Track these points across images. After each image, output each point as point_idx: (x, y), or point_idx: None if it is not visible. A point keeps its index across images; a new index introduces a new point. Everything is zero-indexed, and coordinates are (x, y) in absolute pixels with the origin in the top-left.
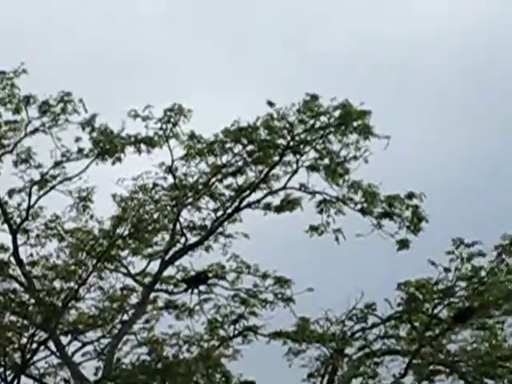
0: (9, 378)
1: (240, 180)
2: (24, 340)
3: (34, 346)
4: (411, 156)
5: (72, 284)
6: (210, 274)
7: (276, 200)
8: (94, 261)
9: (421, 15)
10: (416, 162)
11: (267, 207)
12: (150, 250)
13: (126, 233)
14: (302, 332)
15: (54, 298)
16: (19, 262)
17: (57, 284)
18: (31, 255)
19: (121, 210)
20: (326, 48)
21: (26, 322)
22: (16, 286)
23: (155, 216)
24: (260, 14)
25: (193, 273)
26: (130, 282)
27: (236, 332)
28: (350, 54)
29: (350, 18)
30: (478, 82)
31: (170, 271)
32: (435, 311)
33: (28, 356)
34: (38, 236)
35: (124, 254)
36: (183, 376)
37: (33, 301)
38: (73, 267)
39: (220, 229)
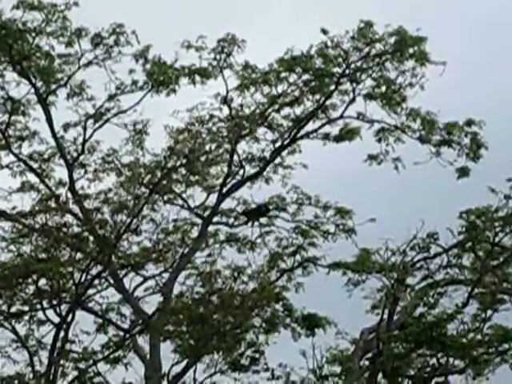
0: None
1: (298, 110)
2: (78, 274)
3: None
4: (469, 81)
5: (125, 217)
6: (271, 206)
7: (335, 130)
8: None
9: None
10: (474, 87)
11: (326, 137)
12: (209, 182)
13: (178, 164)
14: (362, 262)
15: (108, 230)
16: (76, 196)
17: (110, 217)
18: (88, 188)
19: (172, 142)
20: None
21: (79, 255)
22: (68, 219)
23: (212, 147)
24: None
25: (253, 205)
26: (188, 215)
27: (296, 264)
28: None
29: None
30: None
31: (230, 204)
32: (497, 239)
33: (83, 290)
34: (95, 170)
35: (182, 187)
36: (238, 308)
37: (86, 234)
38: (126, 199)
39: (279, 160)
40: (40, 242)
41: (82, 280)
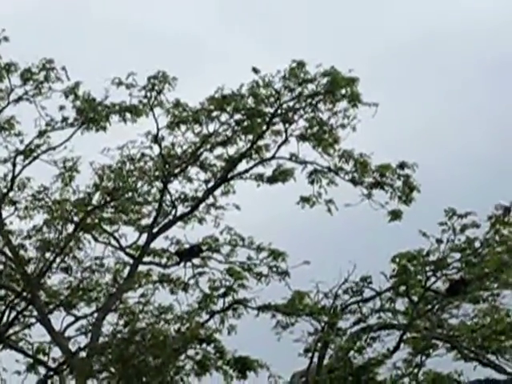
0: None
1: (231, 150)
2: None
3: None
4: (401, 123)
5: (48, 254)
6: (204, 247)
7: (268, 171)
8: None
9: None
10: (406, 130)
11: (260, 178)
12: (141, 222)
13: (103, 201)
14: (292, 305)
15: (31, 267)
16: (4, 233)
17: (33, 253)
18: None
19: (97, 178)
20: None
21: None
22: None
23: (144, 186)
24: None
25: (186, 246)
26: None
27: (226, 305)
28: None
29: None
30: None
31: (163, 244)
32: (428, 283)
33: (5, 327)
34: (26, 208)
35: (114, 225)
36: (160, 349)
37: (9, 270)
38: (50, 236)
39: (212, 200)
40: None
41: (5, 316)
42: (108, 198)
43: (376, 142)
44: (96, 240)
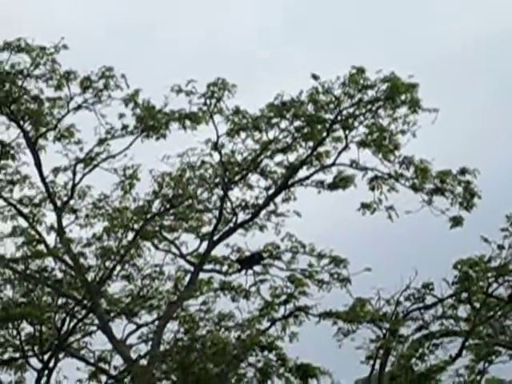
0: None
1: (291, 157)
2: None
3: (73, 323)
4: (463, 129)
5: (108, 262)
6: (265, 255)
7: (329, 177)
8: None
9: None
10: (469, 135)
11: (320, 185)
12: (202, 229)
13: (163, 209)
14: (353, 312)
15: (92, 275)
16: (64, 241)
17: (93, 261)
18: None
19: (157, 186)
20: None
21: (60, 300)
22: (51, 263)
23: (204, 194)
24: None
25: (248, 253)
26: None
27: (287, 312)
28: None
29: None
30: None
31: (224, 251)
32: (490, 289)
33: (66, 335)
34: (87, 216)
35: (176, 233)
36: (220, 356)
37: (69, 278)
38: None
39: (273, 207)
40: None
41: (66, 324)
42: (167, 206)
43: (436, 148)
44: (157, 248)
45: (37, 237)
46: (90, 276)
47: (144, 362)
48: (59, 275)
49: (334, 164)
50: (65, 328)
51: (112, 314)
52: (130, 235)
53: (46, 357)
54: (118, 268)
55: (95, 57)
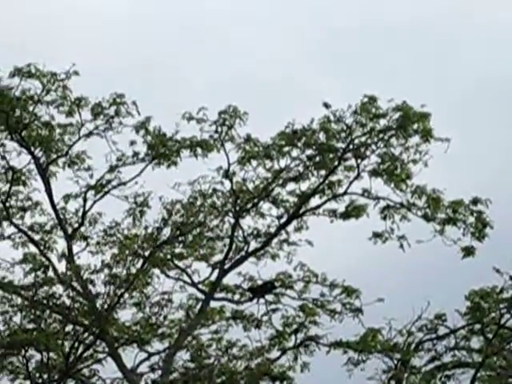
0: None
1: (303, 186)
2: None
3: (80, 350)
4: (475, 158)
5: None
6: (277, 284)
7: (341, 207)
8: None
9: None
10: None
11: (332, 214)
12: (214, 258)
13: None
14: (364, 341)
15: (100, 301)
16: (74, 268)
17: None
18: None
19: (166, 213)
20: None
21: (69, 327)
22: (59, 290)
23: (215, 221)
24: None
25: (259, 282)
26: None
27: (298, 342)
28: None
29: None
30: None
31: (236, 280)
32: (503, 321)
33: (74, 361)
34: (98, 243)
35: (188, 260)
36: None
37: (77, 305)
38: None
39: (285, 236)
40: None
41: (74, 351)
42: (177, 233)
43: (449, 178)
44: (167, 276)
45: (47, 263)
46: (99, 303)
47: None
48: (67, 302)
49: (345, 193)
50: (73, 355)
51: (121, 342)
52: (139, 262)
53: None
54: (126, 295)
55: (106, 83)
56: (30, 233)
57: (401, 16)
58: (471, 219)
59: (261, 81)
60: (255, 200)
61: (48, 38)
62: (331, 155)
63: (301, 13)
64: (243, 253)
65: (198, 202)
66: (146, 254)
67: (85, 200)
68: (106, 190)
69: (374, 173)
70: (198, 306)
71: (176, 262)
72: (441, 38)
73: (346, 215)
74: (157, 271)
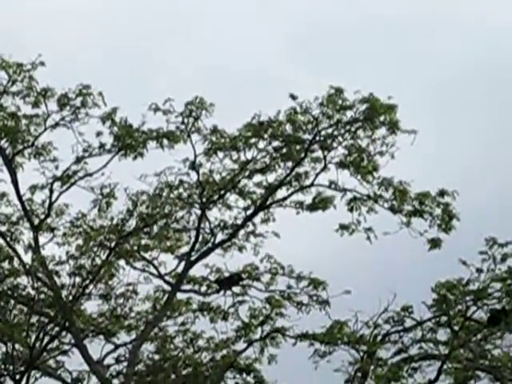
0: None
1: (270, 177)
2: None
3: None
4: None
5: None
6: (244, 275)
7: (308, 198)
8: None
9: None
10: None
11: (299, 205)
12: (182, 250)
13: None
14: (330, 333)
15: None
16: (39, 258)
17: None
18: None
19: (131, 204)
20: None
21: (33, 318)
22: (21, 281)
23: (181, 213)
24: None
25: (226, 274)
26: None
27: (264, 334)
28: None
29: None
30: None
31: (203, 272)
32: (469, 313)
33: (38, 351)
34: (64, 234)
35: (154, 252)
36: (190, 377)
37: (42, 296)
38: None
39: (251, 228)
40: None
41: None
42: (142, 224)
43: (417, 170)
44: (134, 267)
45: (12, 254)
46: (64, 294)
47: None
48: (32, 293)
49: (312, 185)
50: (38, 346)
51: (87, 333)
52: (104, 254)
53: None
54: (92, 286)
55: (72, 74)
56: None
57: (379, 9)
58: (438, 211)
59: (234, 73)
60: (222, 191)
61: (17, 26)
62: (298, 147)
63: (278, 7)
64: (210, 244)
65: (164, 194)
66: (112, 245)
67: (51, 191)
68: (72, 181)
69: (341, 164)
70: (165, 298)
71: (142, 253)
72: (417, 33)
73: (312, 207)
74: (122, 262)
